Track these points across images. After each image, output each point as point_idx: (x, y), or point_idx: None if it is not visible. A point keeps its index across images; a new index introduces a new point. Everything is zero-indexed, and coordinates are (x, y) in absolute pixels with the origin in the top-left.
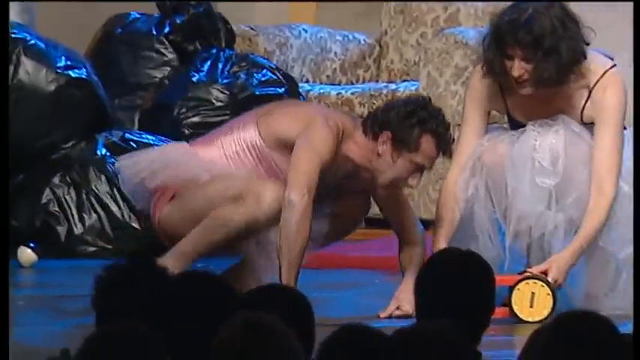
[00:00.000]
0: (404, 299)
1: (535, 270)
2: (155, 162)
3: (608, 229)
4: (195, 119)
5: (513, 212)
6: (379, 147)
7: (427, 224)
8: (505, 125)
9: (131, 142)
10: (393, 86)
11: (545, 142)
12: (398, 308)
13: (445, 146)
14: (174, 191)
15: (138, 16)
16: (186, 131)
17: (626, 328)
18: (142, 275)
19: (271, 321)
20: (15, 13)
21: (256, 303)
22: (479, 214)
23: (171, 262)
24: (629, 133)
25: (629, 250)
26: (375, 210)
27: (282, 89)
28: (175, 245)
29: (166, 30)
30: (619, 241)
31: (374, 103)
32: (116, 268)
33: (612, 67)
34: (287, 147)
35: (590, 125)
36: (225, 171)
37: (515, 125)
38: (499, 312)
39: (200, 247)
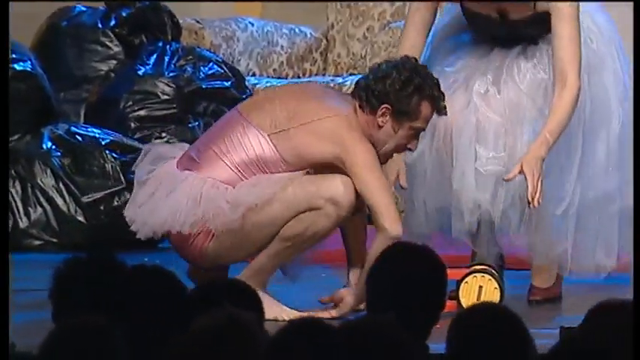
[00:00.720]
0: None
1: (511, 175)
2: (186, 204)
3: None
4: (142, 113)
5: (462, 204)
6: (379, 119)
7: None
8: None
9: (77, 136)
10: (339, 80)
11: (489, 125)
12: (335, 305)
13: (441, 107)
14: (211, 230)
15: (84, 9)
16: (132, 124)
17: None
18: (101, 269)
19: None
20: None
21: (207, 297)
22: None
23: (252, 278)
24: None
25: (564, 204)
26: None
27: (229, 82)
28: (254, 262)
29: (112, 23)
30: (550, 195)
31: None
32: (75, 261)
33: None
34: (314, 164)
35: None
36: (266, 188)
37: (469, 15)
38: (447, 305)
39: (280, 260)
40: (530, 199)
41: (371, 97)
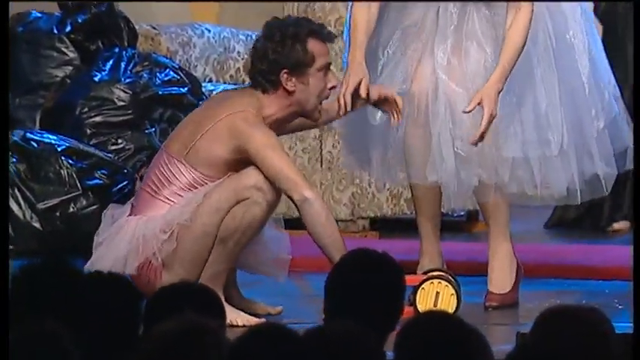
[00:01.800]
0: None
1: (470, 107)
2: (126, 247)
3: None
4: (98, 119)
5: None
6: (287, 86)
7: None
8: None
9: (32, 142)
10: None
11: (458, 101)
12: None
13: (326, 34)
14: (160, 265)
15: (39, 15)
16: (89, 131)
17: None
18: (56, 275)
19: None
20: None
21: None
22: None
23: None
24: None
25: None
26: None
27: (185, 89)
28: (203, 272)
29: (68, 29)
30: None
31: None
32: (30, 268)
33: None
34: (228, 166)
35: None
36: (194, 202)
37: None
38: (405, 311)
39: (226, 261)
40: (479, 134)
41: (267, 76)
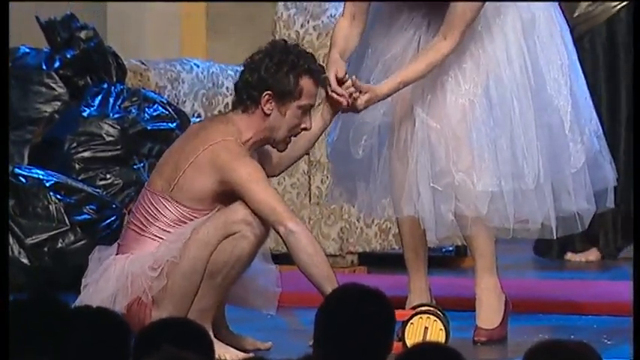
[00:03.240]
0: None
1: (362, 96)
2: (114, 286)
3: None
4: (86, 154)
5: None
6: (264, 108)
7: None
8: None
9: (20, 177)
10: None
11: (433, 135)
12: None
13: (321, 79)
14: (150, 301)
15: (27, 50)
16: (77, 166)
17: None
18: (44, 311)
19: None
20: None
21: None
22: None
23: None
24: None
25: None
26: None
27: (174, 124)
28: (192, 306)
29: (57, 64)
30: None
31: None
32: (18, 303)
33: None
34: (214, 198)
35: None
36: (183, 238)
37: None
38: (393, 347)
39: (215, 295)
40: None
41: (250, 90)
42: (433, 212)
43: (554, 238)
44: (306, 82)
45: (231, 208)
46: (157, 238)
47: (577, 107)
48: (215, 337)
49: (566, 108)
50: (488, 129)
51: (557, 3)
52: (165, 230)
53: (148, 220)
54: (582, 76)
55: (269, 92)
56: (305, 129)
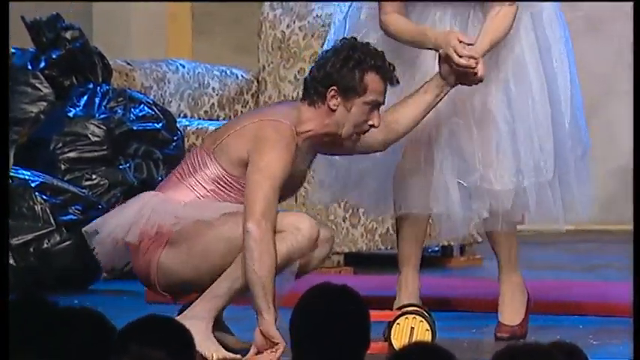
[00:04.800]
0: None
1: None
2: (134, 215)
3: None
4: (72, 154)
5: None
6: (330, 103)
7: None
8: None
9: None
10: None
11: (459, 132)
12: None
13: (389, 75)
14: (164, 239)
15: (13, 50)
16: (63, 166)
17: None
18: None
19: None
20: None
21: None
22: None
23: (205, 304)
24: None
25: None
26: None
27: (160, 124)
28: (210, 287)
29: (42, 65)
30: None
31: None
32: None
33: None
34: (245, 167)
35: None
36: (228, 208)
37: None
38: (379, 347)
39: (238, 288)
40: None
41: (317, 86)
42: (461, 210)
43: (564, 230)
44: (371, 78)
45: (291, 214)
46: (192, 190)
47: (575, 101)
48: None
49: (568, 101)
50: (509, 124)
51: (558, 3)
52: (200, 184)
53: (190, 170)
54: (575, 70)
55: (334, 88)
56: (373, 126)
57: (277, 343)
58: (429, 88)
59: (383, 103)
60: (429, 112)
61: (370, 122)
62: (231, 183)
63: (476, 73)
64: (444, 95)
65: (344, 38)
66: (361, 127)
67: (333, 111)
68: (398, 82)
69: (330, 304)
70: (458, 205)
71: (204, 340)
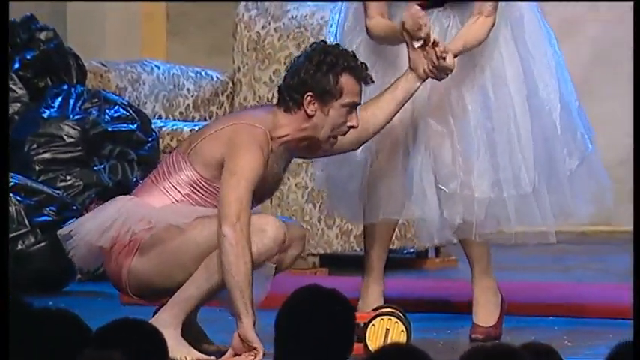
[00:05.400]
0: None
1: (448, 56)
2: (108, 220)
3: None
4: (46, 156)
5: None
6: (307, 109)
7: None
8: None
9: None
10: None
11: (440, 150)
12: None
13: (363, 75)
14: (136, 245)
15: None
16: (37, 168)
17: None
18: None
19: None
20: None
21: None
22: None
23: (171, 310)
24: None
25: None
26: None
27: (135, 125)
28: (177, 293)
29: (16, 66)
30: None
31: None
32: None
33: None
34: (218, 171)
35: None
36: (202, 213)
37: None
38: (354, 348)
39: (205, 291)
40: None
41: (292, 93)
42: (439, 215)
43: (554, 242)
44: (346, 80)
45: (260, 216)
46: (166, 193)
47: (567, 110)
48: (183, 335)
49: (557, 111)
50: (489, 135)
51: (536, 3)
52: (175, 188)
53: (165, 174)
54: (569, 78)
55: (310, 93)
56: (352, 127)
57: (255, 348)
58: (399, 84)
59: (360, 103)
60: (400, 108)
61: (349, 124)
62: (205, 187)
63: (444, 58)
64: (415, 91)
65: (314, 43)
66: (340, 129)
67: (311, 117)
68: (372, 80)
69: (317, 305)
70: (436, 211)
71: (175, 346)
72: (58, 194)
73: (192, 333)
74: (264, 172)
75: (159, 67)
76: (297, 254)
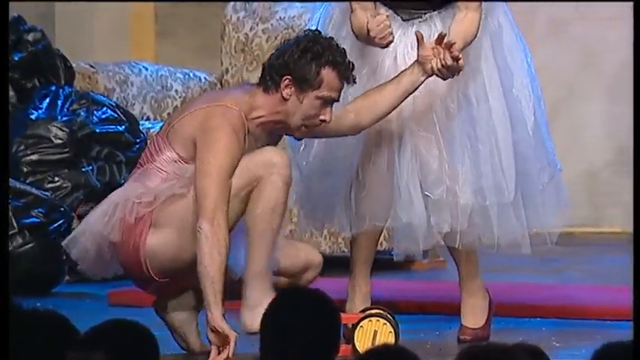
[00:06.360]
0: None
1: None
2: (108, 207)
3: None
4: (34, 157)
5: (399, 230)
6: (283, 92)
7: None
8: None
9: None
10: None
11: (427, 157)
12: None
13: (347, 74)
14: (146, 225)
15: None
16: (25, 169)
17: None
18: None
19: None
20: None
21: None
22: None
23: (258, 287)
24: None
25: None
26: None
27: (123, 127)
28: (246, 273)
29: None
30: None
31: None
32: None
33: None
34: (194, 151)
35: None
36: (192, 180)
37: None
38: (342, 350)
39: (269, 250)
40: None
41: (272, 74)
42: (425, 222)
43: (529, 253)
44: (328, 74)
45: (250, 156)
46: (155, 174)
47: (539, 124)
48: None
49: (531, 124)
50: (472, 142)
51: (508, 9)
52: (160, 169)
53: (148, 157)
54: (540, 94)
55: (289, 77)
56: (323, 121)
57: (227, 336)
58: (404, 77)
59: (337, 100)
60: (402, 101)
61: (321, 117)
62: (181, 164)
63: (457, 60)
64: (420, 85)
65: (308, 29)
66: (311, 120)
67: (286, 100)
68: (355, 81)
69: (302, 306)
70: (423, 217)
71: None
72: (46, 196)
73: (189, 332)
74: (240, 154)
75: (147, 69)
76: (312, 280)
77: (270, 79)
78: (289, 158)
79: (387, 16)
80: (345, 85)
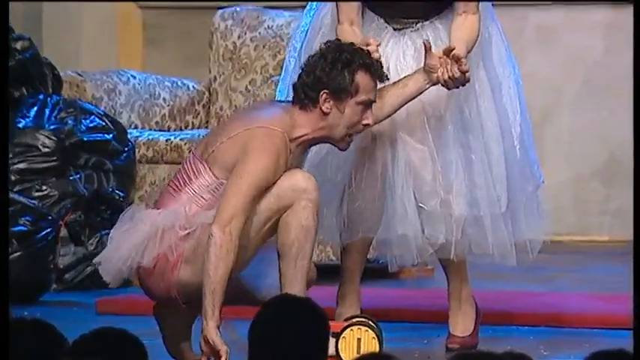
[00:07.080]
0: None
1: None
2: (144, 239)
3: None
4: (22, 165)
5: (410, 242)
6: (323, 107)
7: None
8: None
9: None
10: None
11: (420, 170)
12: None
13: (379, 72)
14: (180, 256)
15: None
16: (13, 177)
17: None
18: None
19: None
20: None
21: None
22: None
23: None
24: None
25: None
26: None
27: (110, 135)
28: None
29: None
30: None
31: None
32: None
33: None
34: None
35: None
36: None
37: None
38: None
39: (304, 274)
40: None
41: (308, 91)
42: (420, 233)
43: (515, 265)
44: (362, 77)
45: (279, 181)
46: (191, 200)
47: (525, 135)
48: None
49: (517, 135)
50: (465, 153)
51: (501, 25)
52: (198, 194)
53: (185, 180)
54: (526, 108)
55: (326, 91)
56: (367, 125)
57: (219, 350)
58: (409, 82)
59: (375, 101)
60: (405, 104)
61: (364, 121)
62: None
63: (465, 73)
64: (422, 92)
65: (328, 41)
66: (356, 127)
67: (326, 114)
68: (387, 78)
69: (290, 315)
70: (417, 228)
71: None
72: (34, 204)
73: (184, 340)
74: (275, 178)
75: (135, 77)
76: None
77: (305, 97)
78: (317, 182)
79: (378, 45)
80: (379, 83)
